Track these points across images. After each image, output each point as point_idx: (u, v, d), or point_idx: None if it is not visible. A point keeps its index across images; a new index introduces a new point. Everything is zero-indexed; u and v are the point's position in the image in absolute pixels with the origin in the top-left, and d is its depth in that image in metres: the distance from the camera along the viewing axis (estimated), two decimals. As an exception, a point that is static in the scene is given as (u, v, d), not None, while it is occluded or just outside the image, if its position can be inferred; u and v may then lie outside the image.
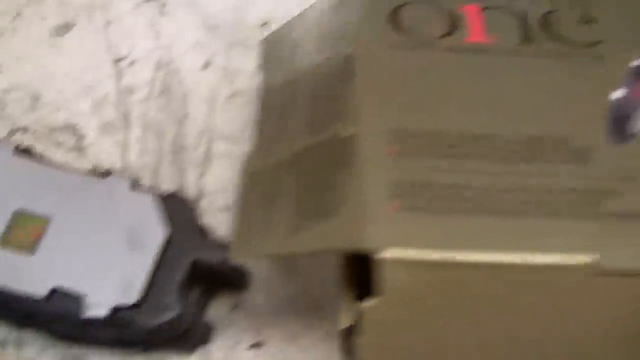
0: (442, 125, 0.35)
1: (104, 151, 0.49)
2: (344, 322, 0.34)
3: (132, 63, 0.53)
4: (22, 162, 0.43)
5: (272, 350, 0.42)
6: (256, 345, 0.42)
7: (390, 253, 0.29)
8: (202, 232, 0.41)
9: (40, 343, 0.42)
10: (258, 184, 0.37)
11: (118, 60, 0.53)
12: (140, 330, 0.38)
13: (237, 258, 0.35)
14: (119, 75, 0.53)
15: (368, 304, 0.30)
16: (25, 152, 0.44)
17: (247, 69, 0.52)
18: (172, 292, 0.39)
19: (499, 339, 0.31)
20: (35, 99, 0.52)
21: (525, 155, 0.34)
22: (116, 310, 0.38)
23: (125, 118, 0.51)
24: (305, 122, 0.38)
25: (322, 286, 0.44)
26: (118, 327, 0.38)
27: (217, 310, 0.43)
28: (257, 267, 0.44)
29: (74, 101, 0.52)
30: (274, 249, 0.33)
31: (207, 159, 0.49)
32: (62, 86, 0.52)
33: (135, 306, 0.38)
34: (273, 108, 0.41)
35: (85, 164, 0.48)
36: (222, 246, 0.40)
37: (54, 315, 0.39)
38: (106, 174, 0.43)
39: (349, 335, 0.36)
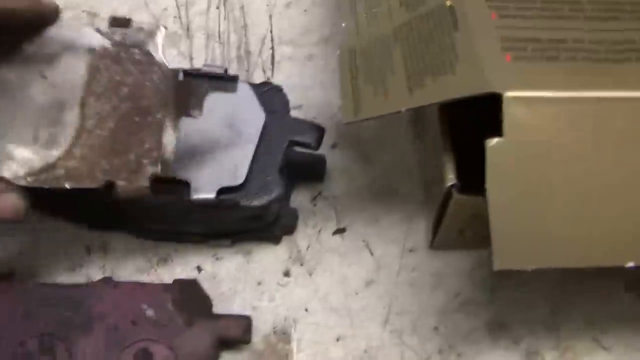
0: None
1: (171, 61, 0.50)
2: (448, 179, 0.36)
3: (187, -22, 0.54)
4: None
5: (355, 234, 0.43)
6: (340, 231, 0.43)
7: (513, 92, 0.31)
8: (295, 117, 0.41)
9: (124, 246, 0.43)
10: (360, 59, 0.38)
11: (173, -24, 0.54)
12: (245, 211, 0.39)
13: (350, 120, 0.36)
14: (175, -11, 0.53)
15: (493, 142, 0.31)
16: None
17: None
18: (273, 173, 0.39)
19: (616, 175, 0.33)
20: (93, 15, 0.52)
21: (610, 14, 0.36)
22: (222, 191, 0.38)
23: (188, 29, 0.51)
24: (399, 1, 0.39)
25: (395, 172, 0.45)
26: (224, 209, 0.39)
27: (299, 200, 0.44)
28: (332, 158, 0.45)
29: (133, 16, 0.52)
30: (391, 107, 0.35)
31: (272, 62, 0.49)
32: (118, 2, 0.53)
33: (241, 187, 0.39)
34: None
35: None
36: (315, 128, 0.41)
37: (161, 203, 0.39)
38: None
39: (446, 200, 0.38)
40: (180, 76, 0.39)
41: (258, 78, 0.49)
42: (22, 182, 0.35)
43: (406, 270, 0.42)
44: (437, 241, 0.42)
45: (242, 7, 0.52)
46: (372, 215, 0.44)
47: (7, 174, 0.35)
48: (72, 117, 0.37)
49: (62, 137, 0.36)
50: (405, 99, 0.35)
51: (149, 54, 0.38)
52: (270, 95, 0.42)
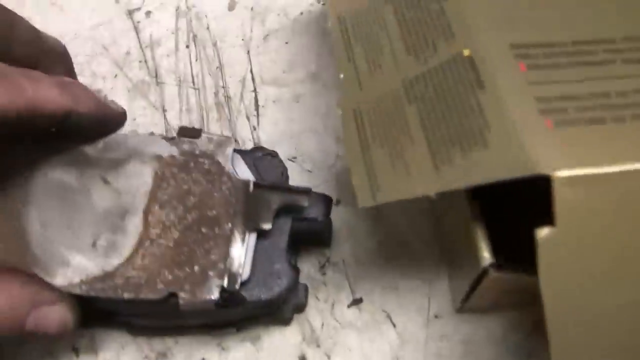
0: (554, 36, 0.32)
1: (139, 115, 0.44)
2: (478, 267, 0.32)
3: (148, 13, 0.47)
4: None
5: (373, 305, 0.39)
6: (356, 302, 0.39)
7: (563, 172, 0.26)
8: (294, 187, 0.36)
9: (117, 344, 0.38)
10: (368, 122, 0.33)
11: (132, 12, 0.48)
12: (253, 305, 0.34)
13: (367, 205, 0.31)
14: (136, 28, 0.47)
15: (544, 232, 0.26)
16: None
17: (275, 6, 0.47)
18: (281, 259, 0.35)
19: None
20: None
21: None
22: (225, 291, 0.34)
23: (156, 75, 0.45)
24: (405, 46, 0.34)
25: (408, 230, 0.40)
26: (227, 308, 0.34)
27: (305, 270, 0.40)
28: (337, 216, 0.40)
29: (93, 63, 0.46)
30: (416, 189, 0.30)
31: (256, 106, 0.44)
32: (75, 49, 0.46)
33: (245, 282, 0.34)
34: (354, 37, 0.36)
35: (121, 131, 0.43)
36: (322, 198, 0.36)
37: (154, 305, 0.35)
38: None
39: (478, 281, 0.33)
40: (251, 187, 0.36)
41: (242, 127, 0.43)
42: (77, 290, 0.33)
43: (433, 340, 0.38)
44: (465, 306, 0.38)
45: (214, 44, 0.46)
46: (389, 281, 0.39)
47: (61, 281, 0.33)
48: (134, 224, 0.35)
49: (123, 245, 0.34)
50: (433, 179, 0.30)
51: (218, 164, 0.36)
52: (264, 163, 0.37)
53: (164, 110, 0.44)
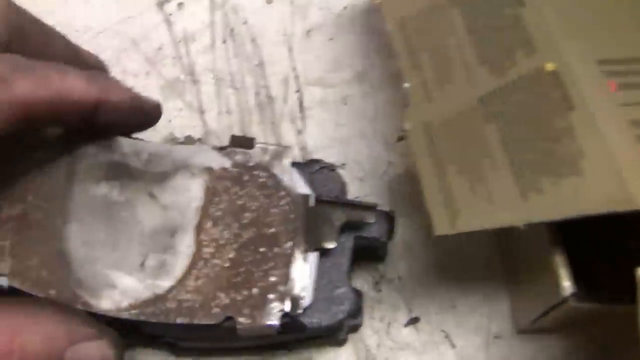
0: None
1: (174, 116, 0.41)
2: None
3: (180, 5, 0.44)
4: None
5: (431, 324, 0.37)
6: (413, 322, 0.37)
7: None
8: (355, 203, 0.34)
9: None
10: (441, 139, 0.31)
11: (162, 4, 0.44)
12: (313, 331, 0.32)
13: (445, 232, 0.29)
14: (168, 21, 0.44)
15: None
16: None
17: (318, 0, 0.44)
18: (343, 282, 0.33)
19: None
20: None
21: None
22: (287, 316, 0.31)
23: (192, 73, 0.42)
24: (477, 56, 0.31)
25: (467, 245, 0.38)
26: (288, 333, 0.32)
27: (359, 287, 0.37)
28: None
29: (122, 59, 0.43)
30: (502, 218, 0.27)
31: (301, 109, 0.41)
32: (102, 43, 0.43)
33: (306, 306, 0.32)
34: (418, 42, 0.34)
35: (155, 136, 0.40)
36: (384, 216, 0.34)
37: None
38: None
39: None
40: (312, 202, 0.33)
41: (286, 131, 0.41)
42: (125, 315, 0.31)
43: (494, 362, 0.36)
44: (529, 328, 0.36)
45: (253, 40, 0.43)
46: (447, 299, 0.37)
47: (107, 305, 0.31)
48: (185, 243, 0.32)
49: (174, 265, 0.32)
50: (520, 208, 0.28)
51: (275, 177, 0.33)
52: (322, 177, 0.35)
53: (202, 112, 0.41)
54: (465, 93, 0.31)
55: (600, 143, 0.26)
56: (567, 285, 0.30)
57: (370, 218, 0.33)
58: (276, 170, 0.33)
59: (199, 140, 0.40)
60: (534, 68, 0.29)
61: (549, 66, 0.29)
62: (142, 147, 0.34)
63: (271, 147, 0.34)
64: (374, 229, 0.34)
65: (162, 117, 0.40)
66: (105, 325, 0.32)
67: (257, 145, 0.34)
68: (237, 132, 0.41)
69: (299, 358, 0.36)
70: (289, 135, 0.40)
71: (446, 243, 0.38)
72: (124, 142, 0.34)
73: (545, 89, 0.29)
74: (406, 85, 0.33)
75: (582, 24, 0.30)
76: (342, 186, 0.34)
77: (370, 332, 0.37)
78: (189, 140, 0.40)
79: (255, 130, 0.41)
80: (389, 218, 0.34)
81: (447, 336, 0.37)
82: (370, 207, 0.33)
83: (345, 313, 0.33)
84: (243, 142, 0.34)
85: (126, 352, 0.36)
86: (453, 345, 0.36)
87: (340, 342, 0.36)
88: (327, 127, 0.41)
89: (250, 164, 0.33)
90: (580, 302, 0.30)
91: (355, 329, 0.36)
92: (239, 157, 0.34)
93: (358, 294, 0.33)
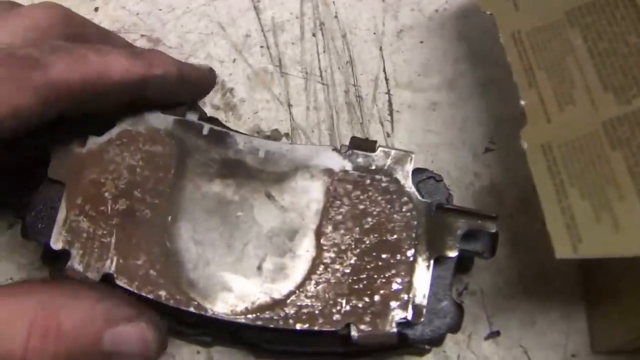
0: None
1: (261, 108, 0.41)
2: None
3: (270, -8, 0.44)
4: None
5: (511, 339, 0.37)
6: (493, 335, 0.37)
7: None
8: (482, 215, 0.34)
9: None
10: (562, 162, 0.31)
11: (251, -11, 0.44)
12: (420, 342, 0.32)
13: (567, 256, 0.29)
14: (256, 7, 0.43)
15: None
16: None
17: (410, 0, 0.44)
18: (446, 295, 0.33)
19: None
20: (155, 42, 0.42)
21: None
22: (407, 324, 0.32)
23: (280, 64, 0.42)
24: (600, 80, 0.31)
25: (549, 261, 0.38)
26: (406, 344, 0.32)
27: (443, 297, 0.37)
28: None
29: (209, 44, 0.42)
30: (629, 247, 0.28)
31: (390, 111, 0.41)
32: (186, 25, 0.42)
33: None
34: (535, 60, 0.33)
35: (241, 127, 0.40)
36: (488, 233, 0.34)
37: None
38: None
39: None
40: (433, 210, 0.33)
41: (375, 132, 0.40)
42: (241, 320, 0.31)
43: (570, 380, 0.37)
44: (606, 349, 0.37)
45: (344, 36, 0.42)
46: (527, 314, 0.38)
47: (222, 308, 0.31)
48: (305, 247, 0.32)
49: (293, 269, 0.32)
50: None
51: (397, 182, 0.33)
52: (429, 187, 0.34)
53: (290, 105, 0.41)
54: (588, 116, 0.31)
55: None
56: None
57: (492, 228, 0.33)
58: (398, 175, 0.33)
59: (286, 135, 0.40)
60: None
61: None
62: (258, 145, 0.34)
63: (393, 152, 0.34)
64: (479, 244, 0.34)
65: (248, 108, 0.40)
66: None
67: (380, 149, 0.34)
68: (325, 129, 0.40)
69: (381, 364, 0.36)
70: (377, 137, 0.40)
71: (529, 259, 0.38)
72: (238, 139, 0.34)
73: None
74: (522, 102, 0.33)
75: None
76: (449, 198, 0.34)
77: (451, 343, 0.37)
78: (275, 134, 0.39)
79: (344, 129, 0.40)
80: (494, 235, 0.34)
81: (525, 351, 0.37)
82: (492, 217, 0.33)
83: (448, 327, 0.33)
84: (364, 144, 0.34)
85: (204, 351, 0.36)
86: (531, 361, 0.37)
87: (423, 353, 0.36)
88: (415, 132, 0.40)
89: (372, 168, 0.33)
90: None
91: (439, 340, 0.36)
92: (360, 160, 0.33)
93: (460, 309, 0.33)
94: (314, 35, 0.42)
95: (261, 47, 0.42)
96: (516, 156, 0.32)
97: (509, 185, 0.39)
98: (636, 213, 0.28)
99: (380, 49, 0.42)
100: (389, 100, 0.41)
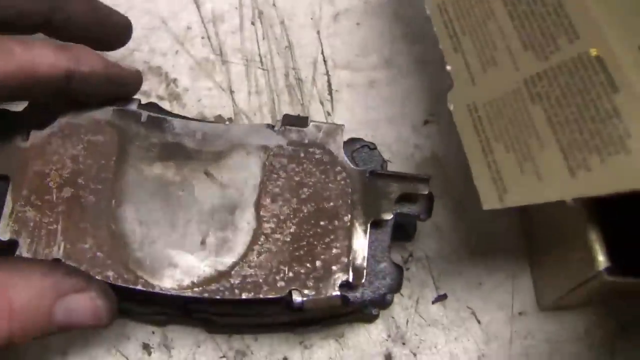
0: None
1: (204, 96, 0.42)
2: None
3: (209, -15, 0.45)
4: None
5: (458, 301, 0.38)
6: (440, 299, 0.38)
7: None
8: (415, 178, 0.35)
9: (192, 342, 0.37)
10: (487, 120, 0.32)
11: (190, -16, 0.45)
12: (360, 305, 0.33)
13: (493, 207, 0.30)
14: (197, 1, 0.44)
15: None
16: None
17: (346, -17, 0.45)
18: (385, 256, 0.34)
19: None
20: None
21: None
22: (349, 286, 0.33)
23: (221, 53, 0.43)
24: (520, 41, 0.32)
25: (492, 224, 0.39)
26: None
27: (389, 265, 0.38)
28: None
29: (151, 38, 0.43)
30: (551, 193, 0.29)
31: (330, 91, 0.42)
32: (132, 21, 0.43)
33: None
34: (460, 27, 0.35)
35: (185, 114, 0.41)
36: (424, 196, 0.35)
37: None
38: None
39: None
40: (367, 177, 0.34)
41: (316, 112, 0.42)
42: (188, 293, 0.31)
43: (519, 337, 0.38)
44: (552, 304, 0.38)
45: (282, 22, 0.44)
46: (473, 276, 0.39)
47: (169, 284, 0.32)
48: (245, 220, 0.33)
49: (235, 242, 0.33)
50: (568, 184, 0.29)
51: (330, 153, 0.34)
52: (363, 155, 0.35)
53: (232, 92, 0.42)
54: (509, 76, 0.32)
55: (646, 122, 0.28)
56: (601, 259, 0.31)
57: (424, 189, 0.34)
58: (331, 147, 0.34)
59: (229, 119, 0.41)
60: (577, 54, 0.31)
61: (593, 52, 0.30)
62: (195, 127, 0.35)
63: (325, 125, 0.35)
64: (415, 207, 0.35)
65: (192, 96, 0.41)
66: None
67: (311, 124, 0.35)
68: (267, 112, 0.41)
69: (331, 334, 0.37)
70: (318, 117, 0.41)
71: (472, 223, 0.39)
72: (175, 123, 0.35)
73: (589, 73, 0.30)
74: (448, 67, 0.34)
75: (624, 9, 0.31)
76: (383, 164, 0.35)
77: (399, 309, 0.38)
78: (219, 120, 0.40)
79: (285, 111, 0.41)
80: (429, 196, 0.35)
81: (473, 312, 0.38)
82: (424, 179, 0.34)
83: (388, 287, 0.34)
84: (296, 120, 0.35)
85: (158, 329, 0.37)
86: (479, 321, 0.38)
87: (371, 319, 0.37)
88: (355, 110, 0.42)
89: (305, 142, 0.34)
90: (613, 276, 0.32)
91: (386, 305, 0.37)
92: (293, 135, 0.34)
93: (399, 269, 0.34)
94: (252, 23, 0.44)
95: (202, 38, 0.43)
96: (454, 125, 0.33)
97: (449, 153, 0.40)
98: (556, 161, 0.30)
99: (318, 32, 0.43)
100: (328, 81, 0.42)
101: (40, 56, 0.30)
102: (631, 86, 0.29)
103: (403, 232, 0.38)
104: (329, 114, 0.41)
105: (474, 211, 0.39)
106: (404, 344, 0.37)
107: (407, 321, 0.37)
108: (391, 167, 0.40)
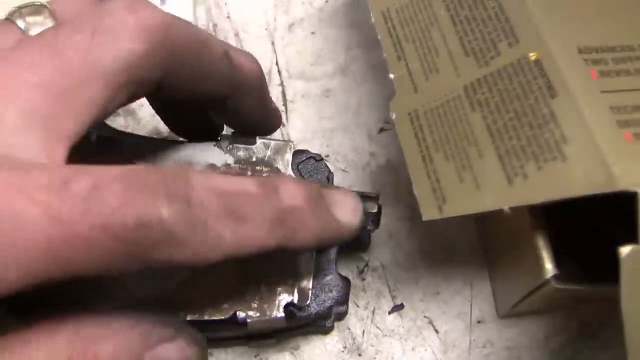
0: (624, 40, 0.31)
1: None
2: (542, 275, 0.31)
3: (163, 1, 0.45)
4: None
5: (415, 311, 0.38)
6: (397, 309, 0.38)
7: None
8: (363, 196, 0.34)
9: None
10: (428, 128, 0.31)
11: (145, -2, 0.45)
12: (306, 319, 0.33)
13: (433, 218, 0.30)
14: (151, 15, 0.44)
15: (627, 250, 0.25)
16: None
17: (300, -7, 0.45)
18: (331, 269, 0.33)
19: None
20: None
21: None
22: (295, 307, 0.32)
23: (175, 67, 0.42)
24: (462, 47, 0.32)
25: (449, 232, 0.39)
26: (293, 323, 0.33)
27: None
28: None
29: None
30: (488, 203, 0.28)
31: (284, 102, 0.42)
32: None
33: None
34: (404, 35, 0.34)
35: (141, 130, 0.41)
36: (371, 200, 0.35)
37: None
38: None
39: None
40: None
41: (271, 124, 0.41)
42: None
43: (478, 346, 0.37)
44: (511, 312, 0.37)
45: (237, 34, 0.43)
46: (430, 286, 0.38)
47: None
48: None
49: None
50: (506, 193, 0.29)
51: (278, 172, 0.33)
52: (309, 168, 0.35)
53: (186, 105, 0.42)
54: (451, 83, 0.32)
55: (583, 129, 0.27)
56: (549, 267, 0.31)
57: (373, 208, 0.34)
58: (279, 164, 0.34)
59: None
60: (517, 58, 0.30)
61: (532, 56, 0.30)
62: (144, 145, 0.34)
63: (273, 143, 0.34)
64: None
65: (147, 111, 0.41)
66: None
67: (260, 141, 0.34)
68: (222, 124, 0.41)
69: (287, 347, 0.37)
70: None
71: (429, 232, 0.39)
72: (124, 141, 0.34)
73: (528, 78, 0.30)
74: (392, 76, 0.34)
75: (564, 12, 0.31)
76: (329, 176, 0.35)
77: (355, 320, 0.37)
78: (173, 135, 0.40)
79: (240, 123, 0.41)
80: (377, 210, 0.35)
81: (430, 322, 0.37)
82: (373, 197, 0.34)
83: (334, 300, 0.33)
84: (245, 138, 0.34)
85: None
86: (437, 331, 0.37)
87: (327, 331, 0.37)
88: (310, 120, 0.41)
89: (254, 160, 0.34)
90: (562, 284, 0.31)
91: (341, 317, 0.37)
92: (241, 154, 0.34)
93: (346, 281, 0.34)
94: (207, 36, 0.43)
95: (156, 52, 0.43)
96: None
97: (404, 162, 0.40)
98: (494, 170, 0.29)
99: (273, 43, 0.43)
100: (283, 92, 0.42)
101: (251, 239, 0.25)
102: (569, 91, 0.29)
103: (357, 242, 0.38)
104: (283, 125, 0.41)
105: (425, 222, 0.39)
106: (360, 355, 0.37)
107: (364, 332, 0.37)
108: (347, 177, 0.40)
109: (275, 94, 0.42)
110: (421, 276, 0.38)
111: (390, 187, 0.39)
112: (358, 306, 0.37)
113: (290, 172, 0.34)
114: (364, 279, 0.38)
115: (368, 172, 0.40)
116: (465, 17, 0.33)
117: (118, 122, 0.40)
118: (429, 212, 0.30)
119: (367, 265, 0.38)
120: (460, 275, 0.38)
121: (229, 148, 0.34)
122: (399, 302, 0.38)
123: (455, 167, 0.30)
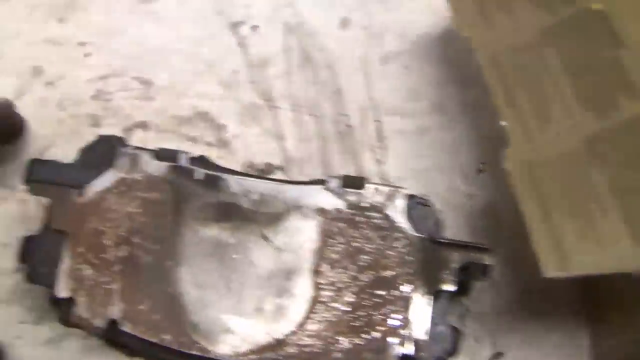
0: None
1: (253, 142, 0.41)
2: None
3: (254, 28, 0.44)
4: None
5: None
6: (497, 356, 0.37)
7: None
8: (476, 247, 0.34)
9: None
10: (545, 182, 0.31)
11: (236, 25, 0.44)
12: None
13: (555, 275, 0.30)
14: (242, 44, 0.43)
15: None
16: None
17: (392, 25, 0.44)
18: (443, 320, 0.33)
19: None
20: (147, 83, 0.42)
21: None
22: (408, 358, 0.32)
23: (269, 99, 0.42)
24: (576, 98, 0.31)
25: (548, 283, 0.38)
26: None
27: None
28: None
29: (197, 83, 0.42)
30: (614, 263, 0.28)
31: (380, 138, 0.41)
32: (176, 64, 0.43)
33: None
34: (514, 79, 0.34)
35: (234, 162, 0.40)
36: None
37: None
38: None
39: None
40: (427, 243, 0.33)
41: (367, 161, 0.41)
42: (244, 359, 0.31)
43: (576, 397, 0.37)
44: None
45: (329, 66, 0.43)
46: (529, 335, 0.38)
47: (225, 350, 0.31)
48: (303, 287, 0.32)
49: (292, 309, 0.32)
50: (632, 254, 0.28)
51: (389, 219, 0.33)
52: (419, 213, 0.34)
53: (280, 138, 0.41)
54: (567, 134, 0.31)
55: None
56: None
57: (487, 260, 0.33)
58: (390, 211, 0.33)
59: (279, 168, 0.40)
60: (638, 112, 0.30)
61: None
62: (251, 187, 0.34)
63: (384, 188, 0.34)
64: (474, 269, 0.34)
65: (241, 143, 0.40)
66: None
67: (369, 186, 0.34)
68: (318, 160, 0.40)
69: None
70: (369, 165, 0.40)
71: (530, 280, 0.38)
72: (231, 182, 0.34)
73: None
74: (503, 123, 0.33)
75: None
76: (439, 223, 0.34)
77: (456, 366, 0.37)
78: (268, 168, 0.40)
79: (336, 160, 0.40)
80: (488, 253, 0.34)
81: (530, 371, 0.37)
82: (486, 249, 0.33)
83: (445, 351, 0.33)
84: (354, 181, 0.34)
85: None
86: (536, 381, 0.37)
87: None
88: (406, 158, 0.41)
89: (363, 205, 0.33)
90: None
91: (440, 362, 0.37)
92: (351, 198, 0.34)
93: (457, 333, 0.33)
94: (300, 68, 0.43)
95: (249, 82, 0.42)
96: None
97: (504, 204, 0.39)
98: (620, 229, 0.29)
99: (367, 77, 0.43)
100: (379, 128, 0.41)
101: None
102: None
103: (461, 288, 0.37)
104: (379, 162, 0.40)
105: (530, 265, 0.38)
106: (460, 403, 0.36)
107: (463, 379, 0.37)
108: (443, 218, 0.39)
109: (370, 129, 0.41)
110: (521, 325, 0.38)
111: (489, 232, 0.39)
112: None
113: (402, 219, 0.33)
114: (464, 324, 0.37)
115: (465, 214, 0.40)
116: (578, 65, 0.32)
117: (212, 153, 0.40)
118: (551, 269, 0.30)
119: (467, 310, 0.38)
120: (559, 327, 0.38)
121: (338, 192, 0.34)
122: (498, 350, 0.37)
123: (577, 224, 0.30)
